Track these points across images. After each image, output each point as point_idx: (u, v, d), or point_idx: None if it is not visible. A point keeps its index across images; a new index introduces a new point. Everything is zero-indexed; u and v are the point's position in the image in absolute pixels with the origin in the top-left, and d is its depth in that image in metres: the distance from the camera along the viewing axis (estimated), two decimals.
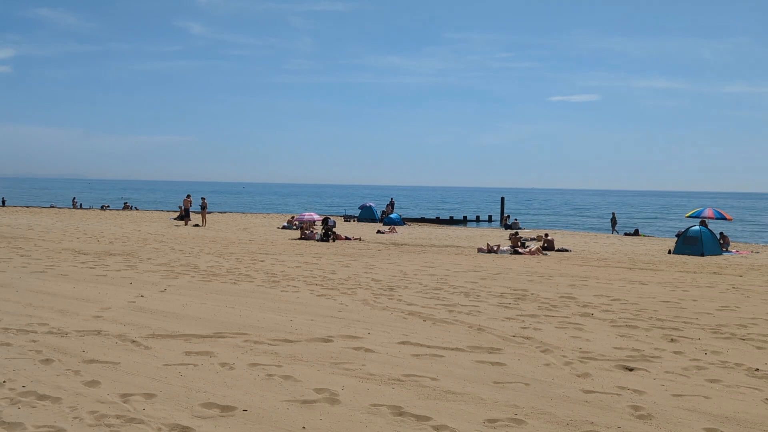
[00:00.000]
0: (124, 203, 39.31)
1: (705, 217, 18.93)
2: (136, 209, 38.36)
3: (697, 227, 17.28)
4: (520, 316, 6.41)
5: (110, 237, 16.59)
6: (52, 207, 37.95)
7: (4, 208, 33.38)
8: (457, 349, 4.70)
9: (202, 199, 23.95)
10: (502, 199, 35.98)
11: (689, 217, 20.37)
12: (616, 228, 27.74)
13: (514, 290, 8.40)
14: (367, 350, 4.59)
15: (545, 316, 6.46)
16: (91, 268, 9.76)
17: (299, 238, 18.49)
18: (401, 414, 3.11)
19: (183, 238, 17.27)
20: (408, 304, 7.05)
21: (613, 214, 29.86)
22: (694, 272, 11.72)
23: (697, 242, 16.41)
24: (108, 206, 38.60)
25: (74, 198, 46.00)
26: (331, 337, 5.06)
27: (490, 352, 4.63)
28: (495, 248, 15.49)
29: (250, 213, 40.14)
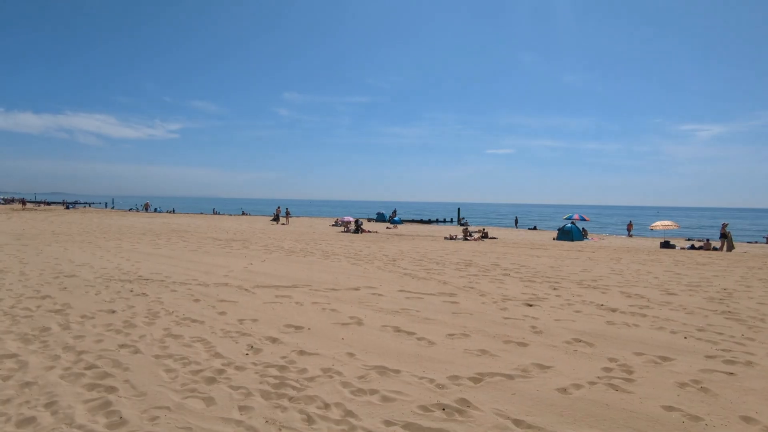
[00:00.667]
0: (145, 204, 56.49)
1: (574, 219, 30.63)
2: (248, 214, 56.50)
3: (569, 224, 26.97)
4: (468, 276, 9.58)
5: (233, 231, 22.86)
6: (201, 213, 55.01)
7: (175, 214, 48.84)
8: (430, 294, 7.53)
9: (286, 209, 38.77)
10: (458, 209, 61.07)
11: (565, 218, 32.01)
12: (518, 225, 45.95)
13: (464, 261, 12.25)
14: (379, 295, 7.38)
15: (483, 275, 9.68)
16: (222, 248, 13.88)
17: (342, 231, 27.28)
18: (399, 331, 5.25)
19: (275, 231, 24.43)
20: (403, 269, 10.28)
21: (516, 217, 52.57)
22: (568, 250, 16.68)
23: (570, 233, 25.46)
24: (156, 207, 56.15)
25: (214, 209, 65.84)
26: (359, 287, 7.91)
27: (450, 296, 7.44)
28: (454, 236, 23.65)
29: (315, 217, 58.08)
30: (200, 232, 21.26)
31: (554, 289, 8.14)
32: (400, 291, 7.77)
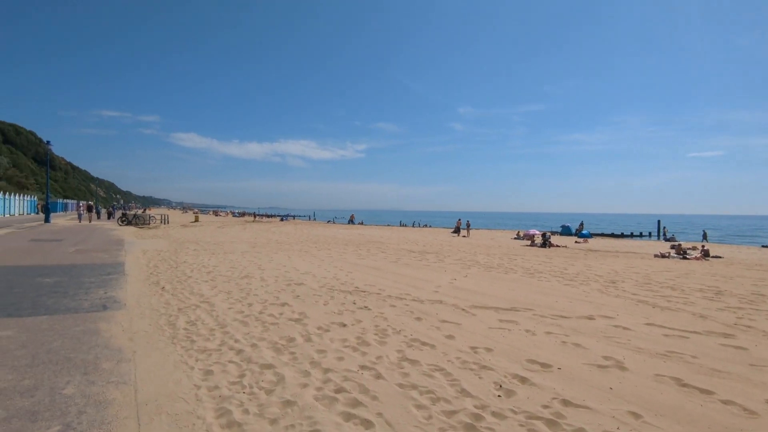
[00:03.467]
0: (350, 216, 60.30)
1: None
2: (426, 226, 58.53)
3: None
4: (728, 307, 7.39)
5: (422, 242, 23.68)
6: (387, 225, 58.04)
7: (364, 226, 51.10)
8: (694, 332, 5.73)
9: (467, 221, 38.64)
10: (659, 221, 48.43)
11: None
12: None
13: (708, 287, 9.61)
14: (624, 328, 5.92)
15: (752, 309, 7.28)
16: (418, 260, 14.02)
17: (527, 245, 25.06)
18: (684, 386, 3.93)
19: (461, 244, 24.04)
20: (632, 294, 8.56)
21: (704, 231, 41.78)
22: None
23: None
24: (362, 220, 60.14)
25: (401, 221, 67.72)
26: (592, 316, 6.57)
27: (725, 337, 5.52)
28: (666, 254, 19.62)
29: (493, 229, 54.99)
30: (393, 244, 22.14)
31: None
32: (648, 325, 6.15)
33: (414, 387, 3.89)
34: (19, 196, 51.43)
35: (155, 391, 3.69)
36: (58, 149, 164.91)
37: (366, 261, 13.54)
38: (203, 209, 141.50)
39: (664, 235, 41.18)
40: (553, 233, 42.95)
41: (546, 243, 24.92)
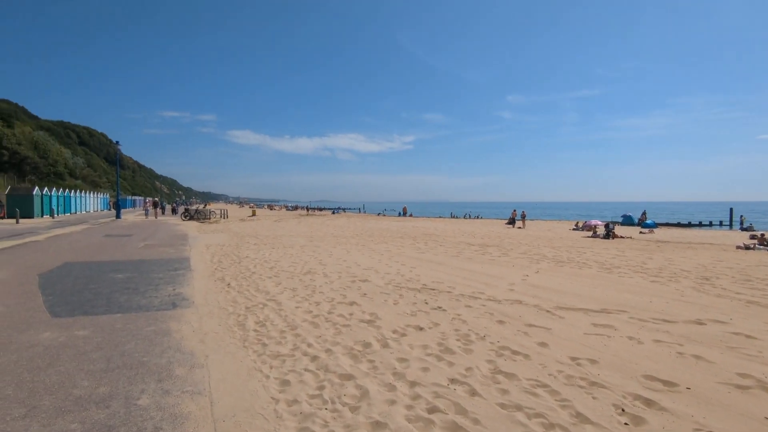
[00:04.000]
0: (403, 208, 53.47)
1: None
2: (478, 217, 55.57)
3: None
4: None
5: (480, 234, 22.67)
6: (439, 217, 55.96)
7: (414, 218, 48.96)
8: None
9: (523, 212, 36.08)
10: (731, 209, 45.91)
11: None
12: None
13: None
14: (747, 336, 5.03)
15: None
16: (481, 254, 13.23)
17: (588, 236, 23.56)
18: None
19: (519, 236, 22.68)
20: (735, 293, 7.46)
21: None
22: None
23: None
24: (411, 212, 52.99)
25: (452, 213, 67.34)
26: (701, 320, 5.68)
27: None
28: (751, 246, 16.82)
29: (549, 220, 51.66)
30: (450, 236, 21.46)
31: None
32: None
33: (518, 408, 3.34)
34: (94, 193, 55.33)
35: (232, 404, 3.38)
36: (126, 149, 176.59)
37: (426, 255, 13.01)
38: (258, 203, 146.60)
39: (741, 224, 37.61)
40: (613, 223, 39.98)
41: (609, 234, 23.24)
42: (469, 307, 6.42)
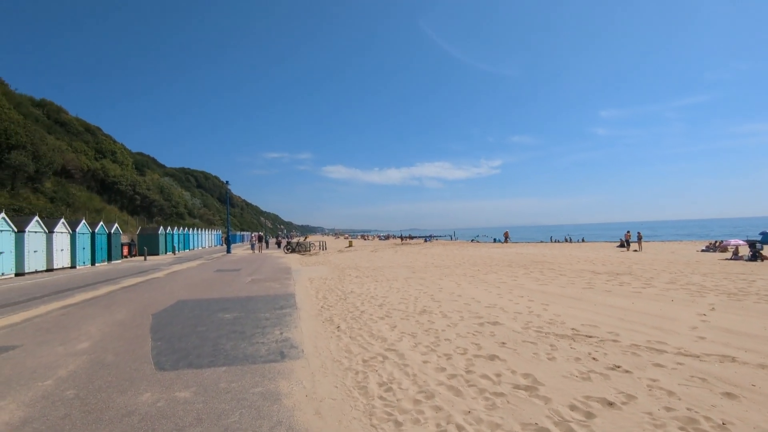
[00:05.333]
0: (504, 233, 50.99)
1: None
2: (582, 240, 51.30)
3: None
4: None
5: (598, 260, 20.33)
6: (540, 242, 51.19)
7: (509, 244, 49.01)
8: None
9: (638, 233, 32.38)
10: None
11: None
12: None
13: None
14: None
15: None
16: (618, 285, 11.26)
17: (729, 259, 20.35)
18: None
19: (641, 260, 19.74)
20: None
21: None
22: None
23: None
24: (556, 239, 49.70)
25: (551, 236, 61.49)
26: None
27: None
28: None
29: (666, 241, 46.07)
30: (564, 263, 19.02)
31: None
32: None
33: None
34: (208, 230, 60.53)
35: None
36: (235, 189, 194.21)
37: (551, 287, 11.11)
38: (352, 234, 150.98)
39: None
40: (750, 242, 33.50)
41: (757, 255, 19.25)
42: (660, 366, 4.66)
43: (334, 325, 7.34)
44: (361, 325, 7.24)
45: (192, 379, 4.68)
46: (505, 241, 46.77)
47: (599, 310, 7.81)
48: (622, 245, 34.16)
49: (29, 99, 53.79)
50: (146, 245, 35.12)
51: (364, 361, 5.27)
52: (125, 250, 33.08)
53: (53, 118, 54.71)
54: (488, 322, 7.05)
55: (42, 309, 9.60)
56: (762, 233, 35.22)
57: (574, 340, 5.75)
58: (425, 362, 5.10)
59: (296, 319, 7.93)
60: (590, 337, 5.89)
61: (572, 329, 6.38)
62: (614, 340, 5.69)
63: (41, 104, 55.62)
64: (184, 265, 23.25)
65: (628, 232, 34.35)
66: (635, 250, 29.45)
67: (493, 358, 5.16)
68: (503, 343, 5.77)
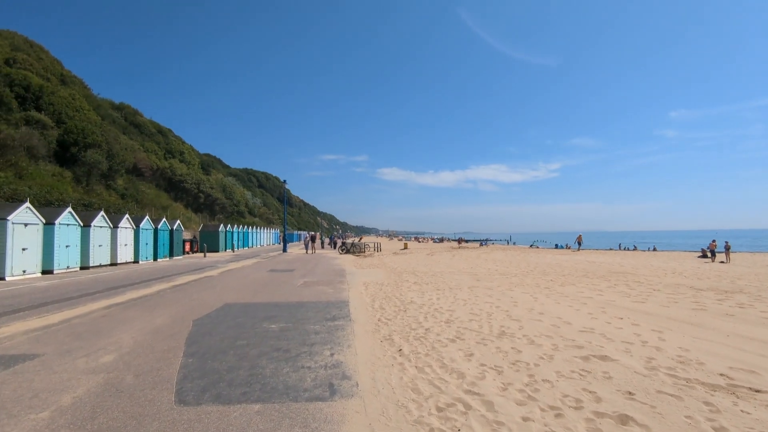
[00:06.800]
0: (577, 237, 46.11)
1: None
2: (654, 249, 46.77)
3: None
4: None
5: (684, 272, 18.12)
6: (609, 249, 47.76)
7: (574, 251, 43.24)
8: None
9: (726, 242, 28.78)
10: None
11: None
12: None
13: None
14: None
15: None
16: (739, 308, 9.22)
17: None
18: None
19: (730, 272, 17.85)
20: None
21: None
22: None
23: None
24: (568, 244, 45.42)
25: (620, 244, 56.90)
26: None
27: None
28: None
29: (757, 252, 40.89)
30: (648, 274, 16.61)
31: None
32: None
33: None
34: (267, 229, 61.73)
35: None
36: (294, 189, 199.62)
37: (650, 307, 9.18)
38: (405, 235, 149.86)
39: None
40: None
41: None
42: None
43: (395, 347, 6.05)
44: (428, 350, 5.89)
45: (214, 423, 3.57)
46: (579, 246, 43.25)
47: (741, 345, 5.93)
48: (704, 255, 30.40)
49: (109, 102, 57.53)
50: (207, 242, 35.87)
51: (439, 409, 3.91)
52: (187, 247, 33.91)
53: (130, 120, 58.18)
54: (594, 356, 5.44)
55: (86, 308, 9.12)
56: None
57: (737, 396, 4.05)
58: (526, 419, 3.66)
59: (350, 335, 6.73)
60: (758, 391, 4.15)
61: (721, 375, 4.65)
62: None
63: (120, 107, 59.35)
64: (240, 264, 23.05)
65: (714, 241, 30.45)
66: (722, 262, 26.13)
67: (625, 420, 3.61)
68: (630, 393, 4.17)
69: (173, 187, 53.33)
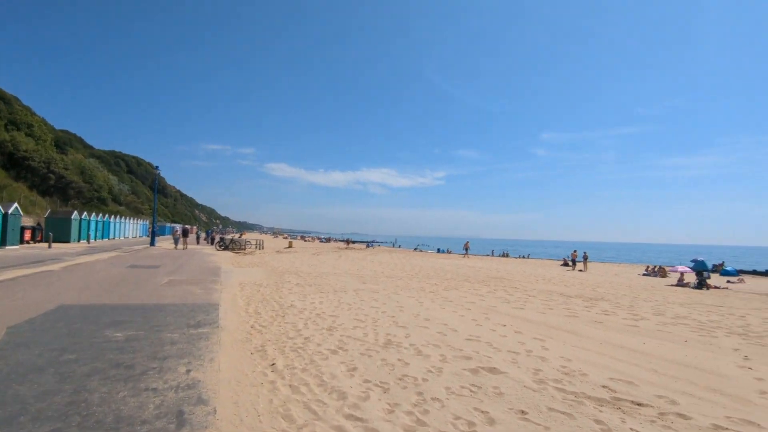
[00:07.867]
0: (465, 244, 49.74)
1: None
2: (528, 257, 51.12)
3: None
4: None
5: (553, 279, 19.69)
6: (488, 255, 51.05)
7: (455, 255, 44.41)
8: None
9: (585, 253, 32.22)
10: None
11: None
12: None
13: None
14: None
15: None
16: (604, 314, 10.09)
17: (674, 285, 20.51)
18: None
19: (591, 281, 19.87)
20: None
21: None
22: None
23: None
24: (449, 248, 48.43)
25: (503, 251, 60.01)
26: None
27: None
28: None
29: (607, 262, 46.28)
30: (523, 280, 18.02)
31: None
32: None
33: None
34: (134, 219, 54.87)
35: None
36: (172, 179, 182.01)
37: (529, 313, 9.69)
38: (291, 234, 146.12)
39: None
40: (697, 270, 35.13)
41: (703, 284, 19.77)
42: None
43: (268, 361, 5.27)
44: (305, 363, 5.23)
45: None
46: (466, 252, 45.68)
47: (615, 354, 6.32)
48: (566, 264, 34.38)
49: None
50: (54, 231, 30.45)
51: None
52: (27, 235, 28.40)
53: None
54: (483, 368, 5.28)
55: None
56: (694, 260, 36.88)
57: (623, 411, 4.10)
58: None
59: (214, 346, 5.76)
60: (640, 405, 4.27)
61: (604, 387, 4.76)
62: (679, 414, 4.11)
63: None
64: (94, 257, 19.78)
65: (575, 251, 34.64)
66: (580, 270, 29.56)
67: None
68: (523, 412, 3.99)
69: (15, 164, 44.61)
